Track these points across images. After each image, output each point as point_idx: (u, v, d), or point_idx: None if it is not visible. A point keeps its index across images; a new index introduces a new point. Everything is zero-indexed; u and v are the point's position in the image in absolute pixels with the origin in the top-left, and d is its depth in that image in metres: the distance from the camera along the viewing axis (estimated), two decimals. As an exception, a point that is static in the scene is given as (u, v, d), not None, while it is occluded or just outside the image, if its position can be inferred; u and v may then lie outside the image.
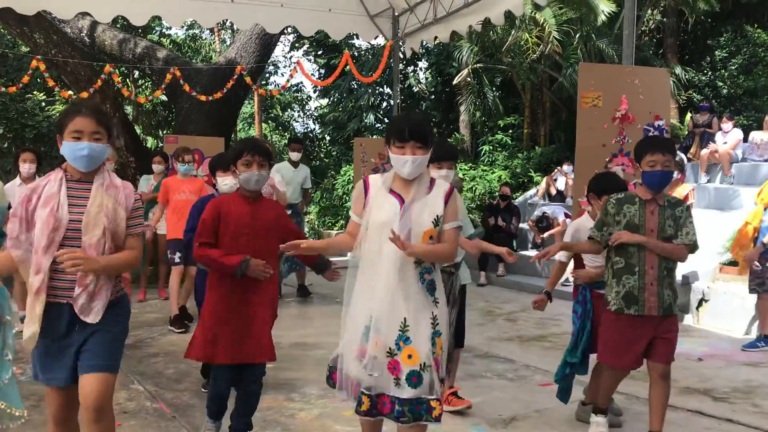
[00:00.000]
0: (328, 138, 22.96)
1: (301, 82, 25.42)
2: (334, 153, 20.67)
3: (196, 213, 4.55)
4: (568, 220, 10.81)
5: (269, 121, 24.11)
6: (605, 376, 4.00)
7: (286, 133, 25.58)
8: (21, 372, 5.35)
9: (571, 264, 4.60)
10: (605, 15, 12.13)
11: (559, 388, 4.39)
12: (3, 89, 9.66)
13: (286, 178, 8.31)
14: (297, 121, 27.22)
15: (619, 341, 3.81)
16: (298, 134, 26.08)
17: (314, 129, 26.21)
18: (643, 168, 3.73)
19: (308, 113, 27.25)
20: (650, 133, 5.72)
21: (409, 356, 2.91)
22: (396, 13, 10.78)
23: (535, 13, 11.48)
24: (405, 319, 2.92)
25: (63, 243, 2.80)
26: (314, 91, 25.64)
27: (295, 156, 8.66)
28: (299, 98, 26.29)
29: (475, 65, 14.35)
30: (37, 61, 9.21)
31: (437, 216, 2.96)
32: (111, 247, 2.89)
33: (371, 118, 18.94)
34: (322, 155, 23.19)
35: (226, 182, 4.40)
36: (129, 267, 3.03)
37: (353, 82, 19.61)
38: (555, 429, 4.29)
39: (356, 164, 11.13)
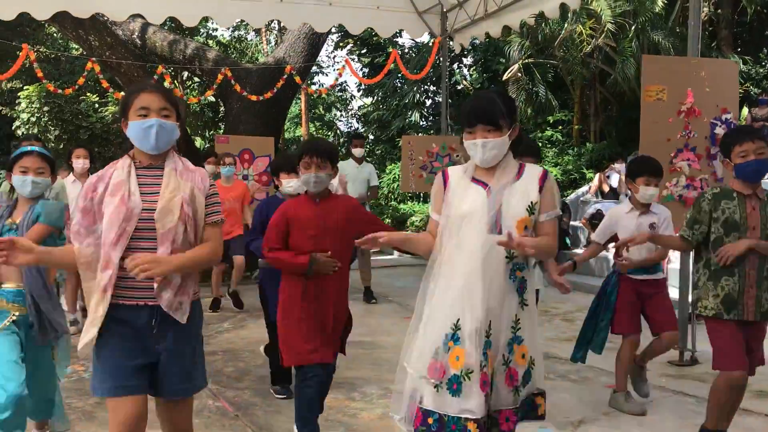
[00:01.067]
0: (371, 137, 22.95)
1: (345, 82, 25.51)
2: (378, 152, 20.61)
3: (257, 214, 4.58)
4: (623, 217, 10.60)
5: (314, 121, 24.20)
6: (719, 389, 3.55)
7: (329, 133, 25.67)
8: (83, 369, 5.43)
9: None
10: (661, 3, 11.80)
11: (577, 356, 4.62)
12: (59, 91, 9.80)
13: (350, 176, 8.28)
14: (340, 121, 27.28)
15: (730, 344, 3.49)
16: (342, 133, 26.20)
17: (357, 128, 26.25)
18: (734, 161, 3.51)
19: (351, 113, 27.30)
20: (718, 128, 5.53)
21: (523, 355, 2.69)
22: (445, 9, 10.67)
23: (591, 2, 11.21)
24: (516, 315, 2.67)
25: (135, 234, 2.53)
26: (358, 90, 25.67)
27: (358, 152, 8.62)
28: (342, 98, 26.33)
29: (525, 60, 14.13)
30: (92, 63, 9.35)
31: (531, 202, 2.65)
32: (189, 237, 2.62)
33: (416, 116, 18.83)
34: (365, 154, 23.21)
35: (290, 184, 4.37)
36: (209, 262, 2.75)
37: (397, 81, 19.53)
38: (626, 432, 4.16)
39: (404, 162, 11.04)
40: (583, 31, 12.43)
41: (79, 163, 6.67)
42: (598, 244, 4.65)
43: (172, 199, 2.58)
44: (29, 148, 3.53)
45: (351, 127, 26.91)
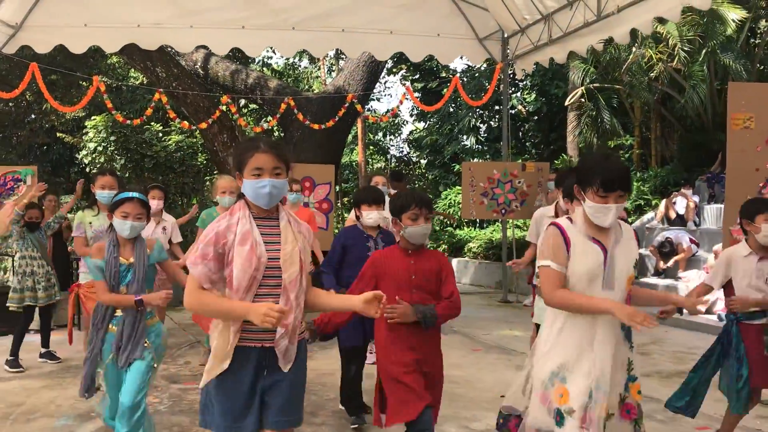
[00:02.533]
0: (424, 162, 22.91)
1: (404, 94, 25.50)
2: (430, 177, 20.56)
3: (336, 243, 4.60)
4: (693, 245, 10.26)
5: (368, 146, 24.34)
6: None
7: (381, 158, 25.76)
8: (158, 401, 5.45)
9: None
10: (734, 26, 11.50)
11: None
12: (128, 122, 10.03)
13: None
14: (392, 146, 27.36)
15: None
16: (392, 157, 26.26)
17: (408, 152, 26.27)
18: None
19: (402, 138, 27.37)
20: (808, 156, 5.29)
21: (639, 391, 2.93)
22: (506, 35, 10.63)
23: (657, 27, 10.99)
24: (629, 358, 2.90)
25: (262, 282, 2.72)
26: (410, 116, 25.71)
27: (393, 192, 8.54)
28: (395, 123, 26.43)
29: (588, 85, 13.93)
30: (159, 94, 9.56)
31: (635, 260, 2.94)
32: (305, 284, 2.83)
33: (471, 140, 18.73)
34: (416, 179, 23.18)
35: (371, 216, 4.36)
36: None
37: (452, 105, 19.50)
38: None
39: (464, 189, 10.96)
40: (653, 55, 12.18)
41: (154, 203, 6.81)
42: (710, 288, 4.36)
43: (292, 250, 2.78)
44: (131, 194, 3.85)
45: (402, 151, 27.00)
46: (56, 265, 8.48)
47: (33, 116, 17.15)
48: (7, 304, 6.79)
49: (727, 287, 4.27)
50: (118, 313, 3.81)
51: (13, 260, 8.73)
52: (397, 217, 3.57)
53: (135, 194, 3.85)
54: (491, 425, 3.63)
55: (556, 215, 5.13)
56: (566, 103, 15.14)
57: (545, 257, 2.90)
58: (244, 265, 2.68)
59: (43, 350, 6.99)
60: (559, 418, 2.81)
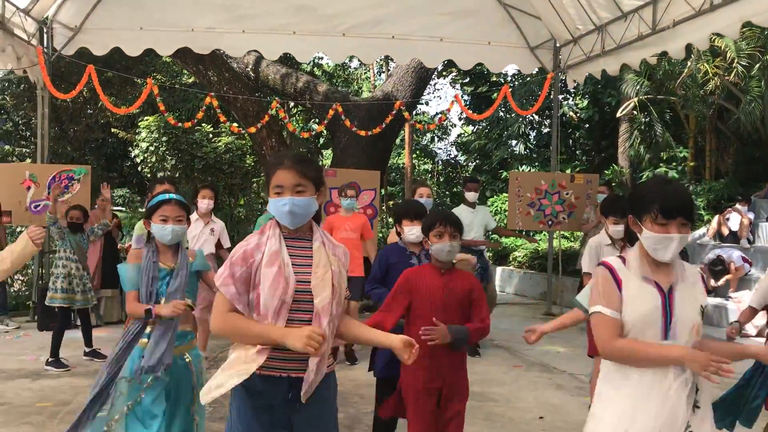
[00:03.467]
0: (471, 166, 22.78)
1: (452, 102, 25.39)
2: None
3: (378, 261, 4.52)
4: (746, 264, 9.96)
5: (416, 150, 24.30)
6: None
7: (428, 160, 25.66)
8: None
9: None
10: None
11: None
12: (179, 124, 10.22)
13: (465, 222, 8.09)
14: (440, 149, 27.26)
15: None
16: (440, 161, 26.14)
17: (456, 156, 26.15)
18: None
19: (450, 141, 27.24)
20: None
21: None
22: (558, 45, 10.49)
23: (715, 40, 10.69)
24: (688, 422, 2.43)
25: (292, 307, 2.52)
26: (459, 119, 25.59)
27: (471, 196, 8.24)
28: (443, 125, 26.34)
29: (641, 97, 13.64)
30: (211, 98, 9.72)
31: (702, 306, 2.51)
32: (338, 310, 2.62)
33: (520, 147, 18.54)
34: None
35: (413, 231, 4.24)
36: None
37: (502, 110, 19.33)
38: None
39: (511, 198, 10.84)
40: (708, 69, 11.85)
41: (204, 203, 6.79)
42: (755, 309, 4.31)
43: (324, 273, 2.58)
44: (168, 196, 3.59)
45: (450, 154, 26.86)
46: (105, 264, 8.65)
47: (90, 111, 17.60)
48: (46, 303, 6.95)
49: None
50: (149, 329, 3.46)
51: (51, 258, 8.91)
52: (425, 235, 3.60)
53: (173, 195, 3.62)
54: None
55: (612, 243, 4.98)
56: (618, 115, 14.86)
57: (596, 302, 2.53)
58: (272, 288, 2.49)
59: (87, 349, 7.10)
60: None
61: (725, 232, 11.18)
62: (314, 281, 2.55)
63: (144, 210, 3.89)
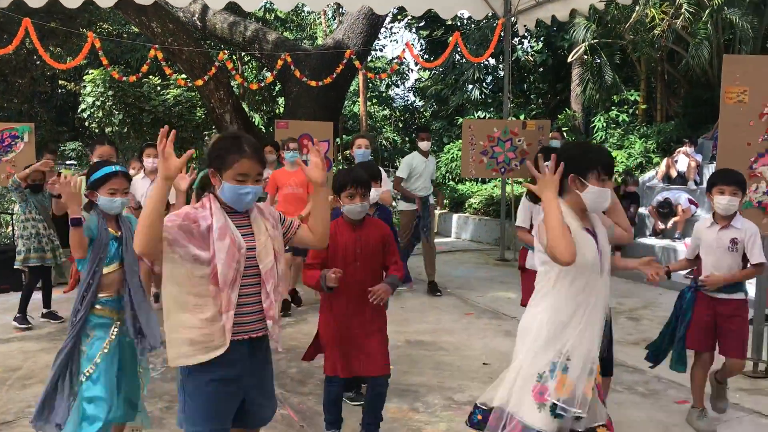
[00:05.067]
0: (429, 112, 22.66)
1: (403, 50, 25.09)
2: (435, 127, 20.38)
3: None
4: (692, 206, 10.20)
5: (372, 98, 24.06)
6: None
7: (384, 107, 25.45)
8: (151, 366, 5.54)
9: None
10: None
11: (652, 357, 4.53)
12: (124, 79, 9.94)
13: (418, 170, 8.19)
14: (397, 95, 27.04)
15: None
16: (398, 108, 25.95)
17: (414, 102, 25.97)
18: None
19: (408, 86, 27.05)
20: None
21: (598, 372, 3.00)
22: (509, -10, 10.38)
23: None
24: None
25: (243, 274, 2.72)
26: (416, 64, 25.33)
27: (425, 146, 8.38)
28: (399, 71, 26.05)
29: (591, 41, 13.64)
30: (155, 51, 9.44)
31: (611, 244, 3.04)
32: (282, 268, 2.87)
33: (476, 93, 18.47)
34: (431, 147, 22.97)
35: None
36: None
37: (457, 54, 19.14)
38: (700, 459, 4.02)
39: (464, 147, 10.85)
40: (656, 15, 11.86)
41: (149, 161, 6.86)
42: (689, 260, 4.49)
43: (266, 240, 2.82)
44: (114, 168, 3.62)
45: (408, 101, 26.66)
46: (58, 224, 8.53)
47: (37, 62, 16.98)
48: (15, 266, 7.01)
49: (697, 259, 4.42)
50: (103, 295, 3.52)
51: (12, 219, 8.78)
52: (337, 195, 3.81)
53: (119, 168, 3.65)
54: (475, 396, 3.67)
55: None
56: (569, 60, 14.88)
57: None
58: (228, 259, 2.67)
59: (44, 310, 7.15)
60: (557, 409, 2.80)
61: (673, 174, 11.39)
62: (258, 248, 2.78)
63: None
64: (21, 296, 6.93)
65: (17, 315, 6.85)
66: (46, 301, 7.18)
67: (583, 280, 2.86)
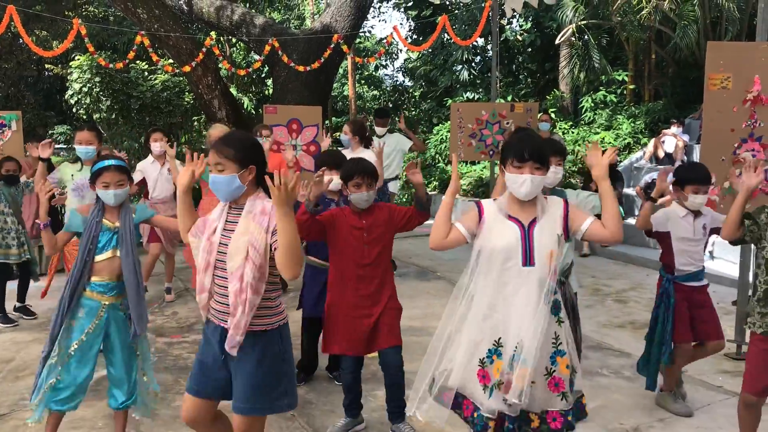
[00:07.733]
0: (418, 93, 22.60)
1: (391, 34, 24.94)
2: (424, 107, 20.34)
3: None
4: (678, 187, 10.26)
5: (361, 80, 23.95)
6: (738, 410, 3.75)
7: (372, 87, 25.34)
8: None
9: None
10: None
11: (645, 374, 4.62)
12: (111, 65, 9.87)
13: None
14: (387, 75, 26.91)
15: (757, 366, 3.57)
16: (387, 88, 25.83)
17: (403, 82, 25.87)
18: None
19: (397, 66, 26.92)
20: (786, 115, 5.27)
21: (567, 366, 2.99)
22: (495, -28, 10.34)
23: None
24: (555, 332, 2.98)
25: (219, 266, 2.94)
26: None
27: (380, 131, 8.55)
28: (389, 51, 25.92)
29: (579, 23, 13.63)
30: (141, 37, 9.38)
31: (558, 235, 2.98)
32: (255, 276, 2.83)
33: (465, 73, 18.42)
34: (411, 109, 22.92)
35: (335, 180, 4.44)
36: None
37: (445, 35, 19.06)
38: (682, 442, 4.12)
39: (453, 130, 10.86)
40: (644, -1, 11.87)
41: (157, 146, 7.00)
42: (653, 202, 4.63)
43: (240, 241, 2.87)
44: (107, 163, 3.79)
45: (398, 81, 26.56)
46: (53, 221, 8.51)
47: (23, 46, 16.81)
48: None
49: (662, 241, 4.51)
50: (95, 279, 3.72)
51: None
52: (345, 184, 3.98)
53: (111, 162, 3.79)
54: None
55: None
56: (557, 42, 14.86)
57: (458, 220, 3.09)
58: (204, 247, 2.96)
59: (17, 304, 6.88)
60: (492, 394, 2.95)
61: (661, 154, 11.45)
62: (230, 248, 2.89)
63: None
64: None
65: None
66: (21, 296, 6.89)
67: (497, 268, 2.95)
